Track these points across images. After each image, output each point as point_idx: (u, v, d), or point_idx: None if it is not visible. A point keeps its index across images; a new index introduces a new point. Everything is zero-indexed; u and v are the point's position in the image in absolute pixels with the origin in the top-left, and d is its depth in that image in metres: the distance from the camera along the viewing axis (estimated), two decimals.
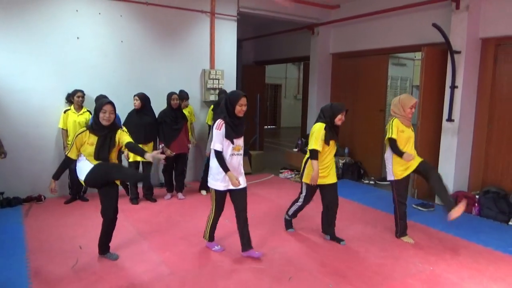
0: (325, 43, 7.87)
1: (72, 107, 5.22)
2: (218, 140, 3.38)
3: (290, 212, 4.28)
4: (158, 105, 5.43)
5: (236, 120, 3.42)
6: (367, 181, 6.92)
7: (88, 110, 5.24)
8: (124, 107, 5.27)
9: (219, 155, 3.40)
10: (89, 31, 5.53)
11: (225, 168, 3.39)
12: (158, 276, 3.28)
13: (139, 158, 4.99)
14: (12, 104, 5.12)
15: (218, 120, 3.44)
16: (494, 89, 5.37)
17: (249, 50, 10.57)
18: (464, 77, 5.30)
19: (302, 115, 10.16)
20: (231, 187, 3.50)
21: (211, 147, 3.46)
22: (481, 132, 5.51)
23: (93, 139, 3.26)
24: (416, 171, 4.02)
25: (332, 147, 3.89)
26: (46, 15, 5.22)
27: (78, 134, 3.27)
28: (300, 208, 4.20)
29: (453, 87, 5.34)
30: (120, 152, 3.73)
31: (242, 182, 3.54)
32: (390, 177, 4.06)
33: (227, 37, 6.68)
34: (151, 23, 5.99)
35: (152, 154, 3.31)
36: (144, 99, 5.17)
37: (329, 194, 3.99)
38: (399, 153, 3.91)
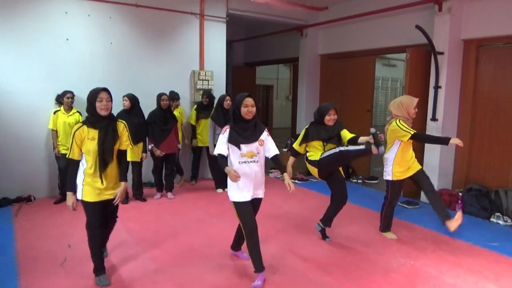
0: (313, 44, 7.97)
1: (62, 108, 5.26)
2: (218, 145, 3.19)
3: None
4: (148, 106, 5.49)
5: (244, 123, 3.14)
6: (355, 180, 7.02)
7: (78, 111, 5.29)
8: (114, 107, 5.16)
9: (219, 158, 3.18)
10: (78, 32, 5.58)
11: (224, 166, 3.16)
12: (145, 272, 3.35)
13: (129, 158, 5.02)
14: (2, 105, 5.15)
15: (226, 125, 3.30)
16: (476, 89, 5.50)
17: (239, 51, 10.64)
18: (447, 78, 5.43)
19: (292, 115, 10.27)
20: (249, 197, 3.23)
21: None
22: (464, 131, 5.63)
23: (93, 133, 2.99)
24: (412, 177, 4.08)
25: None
26: (35, 17, 5.26)
27: (76, 131, 2.96)
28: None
29: (437, 87, 5.47)
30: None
31: (260, 193, 3.28)
32: (387, 177, 4.11)
33: (217, 39, 6.76)
34: (140, 25, 6.05)
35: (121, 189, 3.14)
36: (133, 99, 5.22)
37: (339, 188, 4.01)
38: (438, 140, 4.07)
